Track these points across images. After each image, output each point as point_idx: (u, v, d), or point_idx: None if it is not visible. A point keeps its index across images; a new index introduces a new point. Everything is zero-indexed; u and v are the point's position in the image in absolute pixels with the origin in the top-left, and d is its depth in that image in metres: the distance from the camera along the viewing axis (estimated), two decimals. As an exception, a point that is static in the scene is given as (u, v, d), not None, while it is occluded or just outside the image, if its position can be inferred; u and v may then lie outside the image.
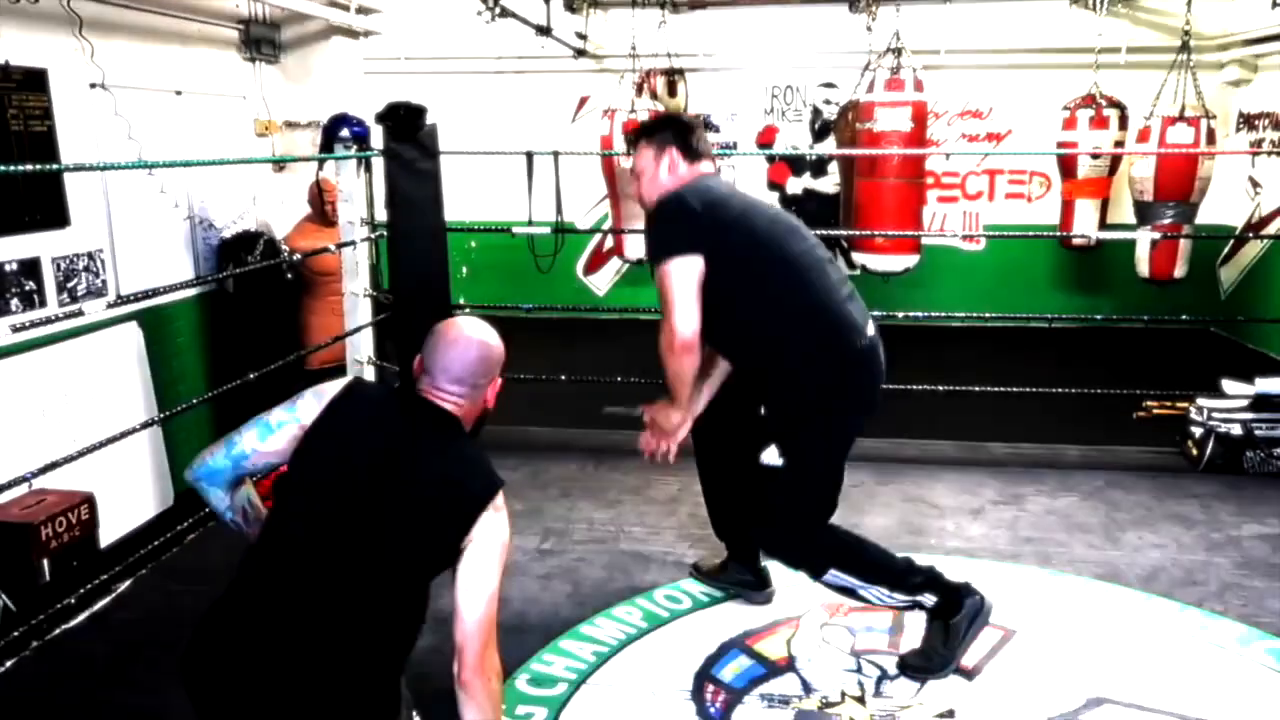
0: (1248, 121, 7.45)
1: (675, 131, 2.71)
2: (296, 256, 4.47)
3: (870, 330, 2.55)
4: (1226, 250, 7.72)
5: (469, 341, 1.92)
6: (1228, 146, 7.35)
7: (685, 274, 2.43)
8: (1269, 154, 7.09)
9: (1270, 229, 7.06)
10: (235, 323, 4.50)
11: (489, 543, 1.78)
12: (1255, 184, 7.32)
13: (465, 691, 1.72)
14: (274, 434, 1.84)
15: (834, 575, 2.55)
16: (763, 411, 2.63)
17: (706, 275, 2.45)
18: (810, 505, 2.59)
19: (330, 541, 1.70)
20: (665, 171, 2.65)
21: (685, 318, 2.44)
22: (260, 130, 4.97)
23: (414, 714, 1.90)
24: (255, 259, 4.51)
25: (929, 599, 2.54)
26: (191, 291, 4.40)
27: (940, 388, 4.52)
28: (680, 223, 2.50)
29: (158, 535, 3.32)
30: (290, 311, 4.77)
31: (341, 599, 1.68)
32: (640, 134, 2.76)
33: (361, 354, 4.63)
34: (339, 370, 4.64)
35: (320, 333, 4.69)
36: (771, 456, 2.58)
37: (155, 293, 3.36)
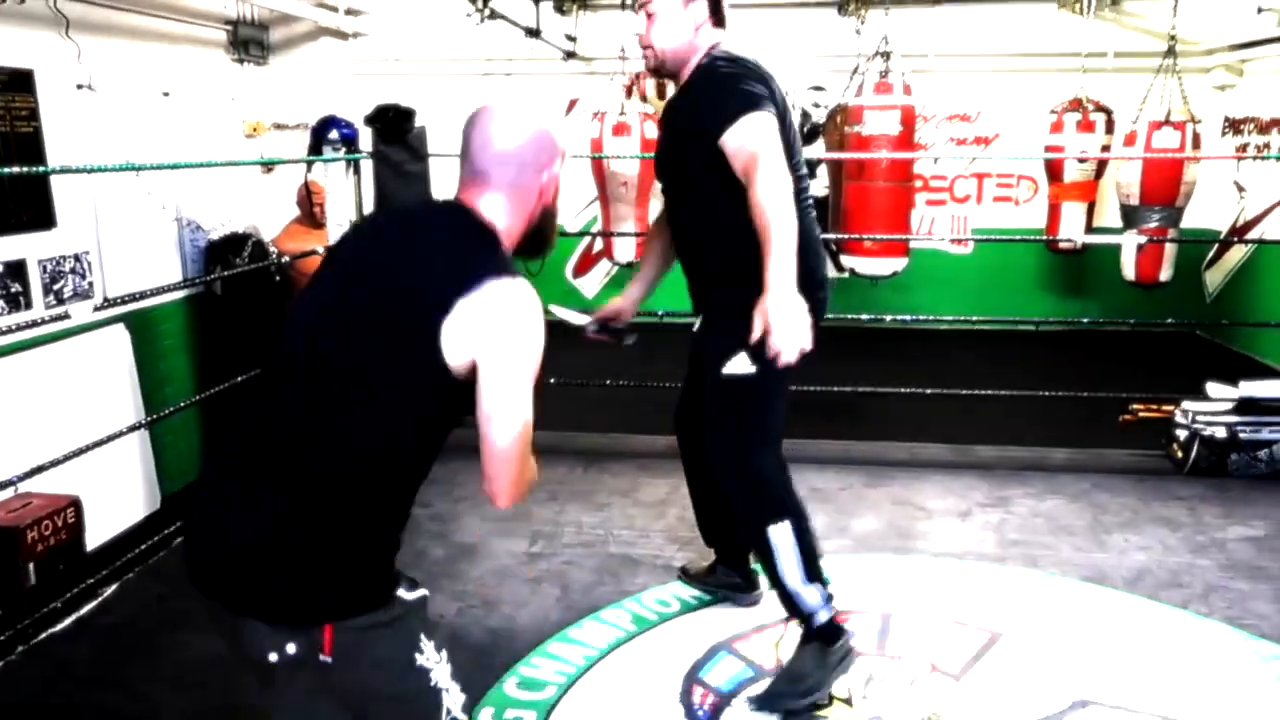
0: (1233, 126, 7.51)
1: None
2: (285, 259, 4.46)
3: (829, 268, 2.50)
4: (1212, 254, 7.77)
5: (490, 117, 1.57)
6: (1213, 151, 7.40)
7: (773, 130, 2.21)
8: (1254, 158, 7.14)
9: (1255, 233, 7.11)
10: (223, 325, 4.49)
11: (495, 343, 1.40)
12: (1240, 188, 7.37)
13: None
14: None
15: (780, 532, 2.40)
16: (719, 324, 2.45)
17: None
18: (778, 422, 2.50)
19: (298, 370, 1.46)
20: (689, 23, 2.39)
21: (785, 173, 2.17)
22: (249, 131, 4.95)
23: (413, 590, 1.53)
24: (243, 261, 4.49)
25: (825, 615, 2.41)
26: (179, 294, 4.38)
27: (928, 390, 4.54)
28: (759, 83, 2.29)
29: (145, 539, 3.31)
30: (278, 314, 4.75)
31: (311, 434, 1.42)
32: None
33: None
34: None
35: (308, 335, 4.67)
36: (741, 365, 2.36)
37: (142, 295, 3.35)
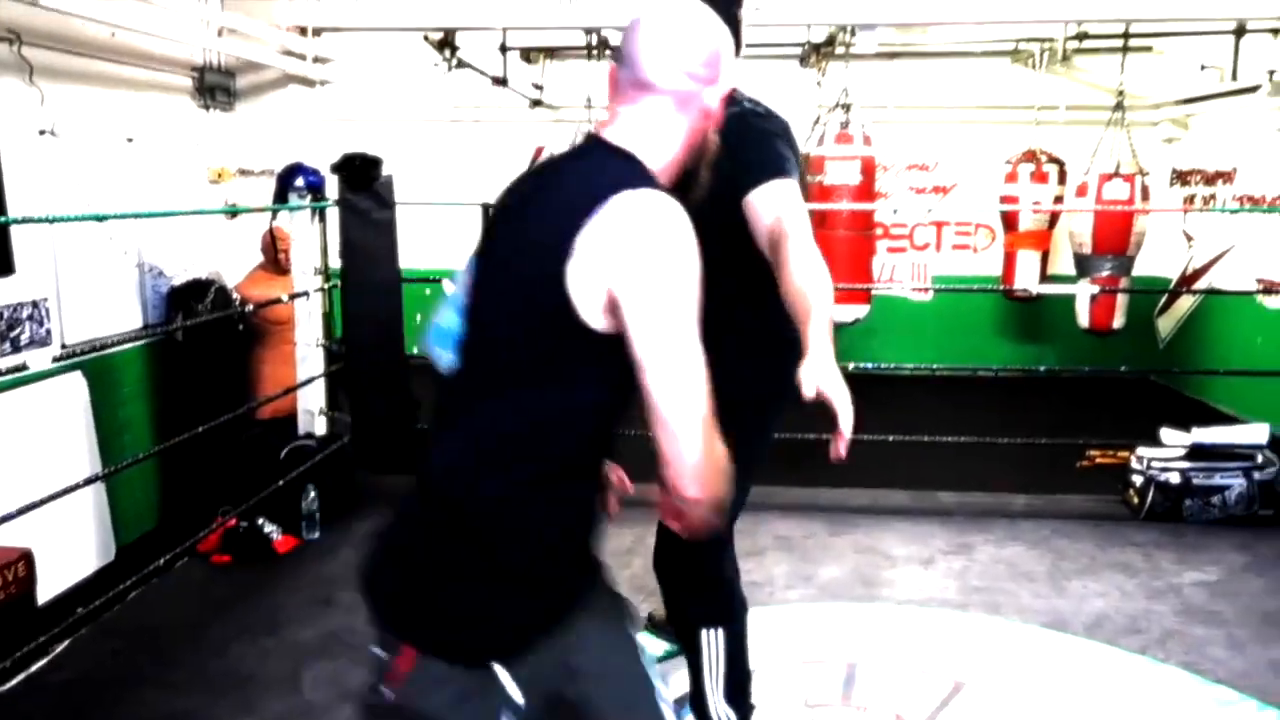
0: (1180, 177, 7.75)
1: (731, 5, 2.03)
2: (248, 306, 4.43)
3: None
4: (1163, 302, 7.97)
5: (637, 21, 1.34)
6: (1162, 202, 7.62)
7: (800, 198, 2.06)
8: (1201, 210, 7.37)
9: (1203, 282, 7.31)
10: (184, 373, 4.44)
11: (631, 266, 1.16)
12: (1189, 237, 7.59)
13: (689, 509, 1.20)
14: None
15: (711, 638, 2.24)
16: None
17: None
18: (747, 478, 2.21)
19: (463, 344, 1.34)
20: None
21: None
22: (213, 178, 4.94)
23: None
24: (206, 308, 4.46)
25: None
26: (139, 341, 4.33)
27: (890, 437, 4.58)
28: (790, 142, 2.14)
29: (99, 593, 3.23)
30: (241, 361, 4.71)
31: (476, 405, 1.28)
32: None
33: (313, 405, 4.58)
34: (290, 422, 4.59)
35: (271, 383, 4.63)
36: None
37: (103, 346, 3.31)
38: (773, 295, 1.94)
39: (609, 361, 1.20)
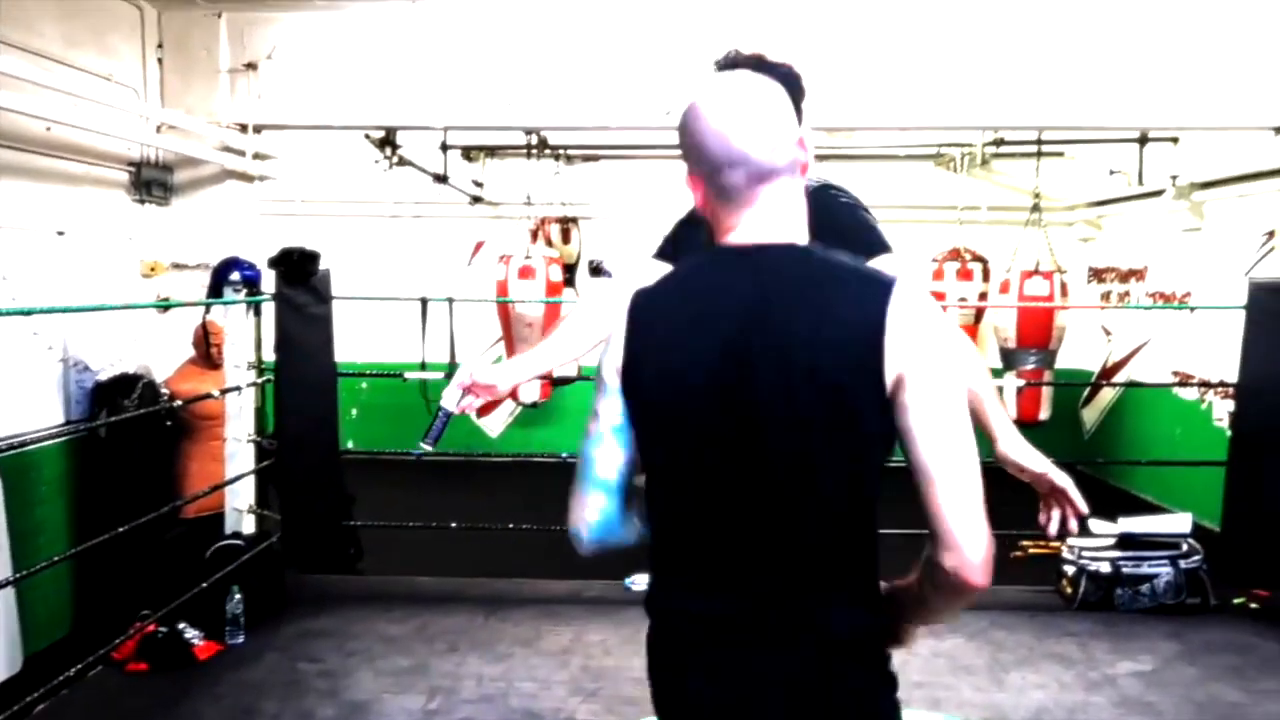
0: (1096, 275, 8.12)
1: (793, 95, 1.68)
2: (177, 401, 4.33)
3: None
4: (1086, 394, 8.25)
5: (706, 113, 1.28)
6: (1080, 297, 7.97)
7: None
8: (1116, 307, 7.71)
9: (1122, 374, 7.60)
10: (106, 471, 4.29)
11: (926, 364, 1.18)
12: (1107, 332, 7.92)
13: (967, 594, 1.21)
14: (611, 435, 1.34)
15: None
16: None
17: None
18: None
19: (719, 495, 1.25)
20: None
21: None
22: (145, 271, 4.88)
23: None
24: (132, 403, 4.34)
25: None
26: (60, 438, 4.18)
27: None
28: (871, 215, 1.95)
29: (2, 707, 3.04)
30: (167, 458, 4.57)
31: (773, 555, 1.25)
32: (761, 68, 1.60)
33: (241, 502, 4.45)
34: (216, 520, 4.45)
35: (199, 480, 4.50)
36: None
37: (20, 443, 3.19)
38: None
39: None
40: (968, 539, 1.21)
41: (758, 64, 1.40)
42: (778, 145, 1.26)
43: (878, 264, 1.69)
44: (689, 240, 1.98)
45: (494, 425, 8.84)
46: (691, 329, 1.25)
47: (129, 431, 4.32)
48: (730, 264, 1.28)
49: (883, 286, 1.20)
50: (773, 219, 1.27)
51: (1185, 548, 4.26)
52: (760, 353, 1.21)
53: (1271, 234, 5.60)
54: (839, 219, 1.90)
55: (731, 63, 1.42)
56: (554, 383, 6.76)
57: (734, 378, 1.22)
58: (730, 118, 1.25)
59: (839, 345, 1.19)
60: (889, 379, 1.18)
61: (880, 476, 1.29)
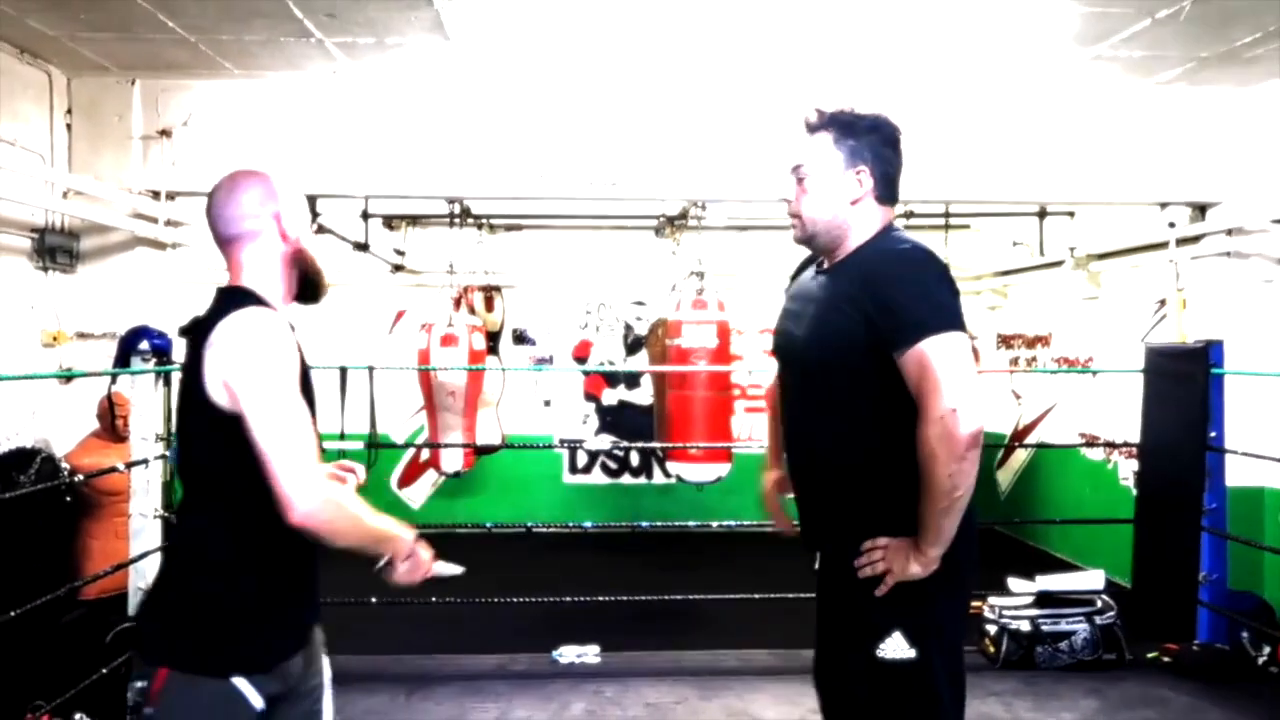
0: (1005, 341, 8.43)
1: (879, 146, 2.01)
2: (79, 476, 4.13)
3: None
4: (1000, 456, 8.48)
5: (211, 196, 1.89)
6: (990, 363, 8.25)
7: (965, 353, 1.81)
8: (1025, 371, 8.00)
9: (1033, 437, 7.85)
10: (-2, 550, 4.04)
11: (219, 365, 1.68)
12: (1017, 395, 8.19)
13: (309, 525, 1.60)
14: None
15: None
16: (860, 584, 1.91)
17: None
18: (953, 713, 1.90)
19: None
20: (847, 195, 1.99)
21: (972, 400, 1.76)
22: (47, 340, 4.68)
23: None
24: (29, 479, 4.12)
25: None
26: (-53, 516, 3.94)
27: (756, 595, 4.59)
28: (944, 286, 1.87)
29: None
30: (67, 537, 4.34)
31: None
32: (832, 123, 2.02)
33: (146, 582, 4.24)
34: (120, 601, 4.22)
35: (101, 558, 4.28)
36: (897, 648, 1.87)
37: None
38: (907, 507, 1.90)
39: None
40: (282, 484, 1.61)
41: (837, 119, 2.07)
42: (230, 219, 1.82)
43: (928, 343, 1.81)
44: None
45: (416, 496, 8.64)
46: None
47: (25, 509, 4.09)
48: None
49: (221, 318, 1.70)
50: (233, 271, 1.84)
51: (1100, 604, 4.38)
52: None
53: (1163, 302, 5.90)
54: (895, 271, 1.92)
55: (810, 124, 2.09)
56: (478, 451, 6.66)
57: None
58: (217, 199, 1.86)
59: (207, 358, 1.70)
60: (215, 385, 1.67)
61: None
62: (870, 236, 2.02)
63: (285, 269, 1.83)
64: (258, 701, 1.65)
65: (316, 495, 1.59)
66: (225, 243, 1.82)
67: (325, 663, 1.95)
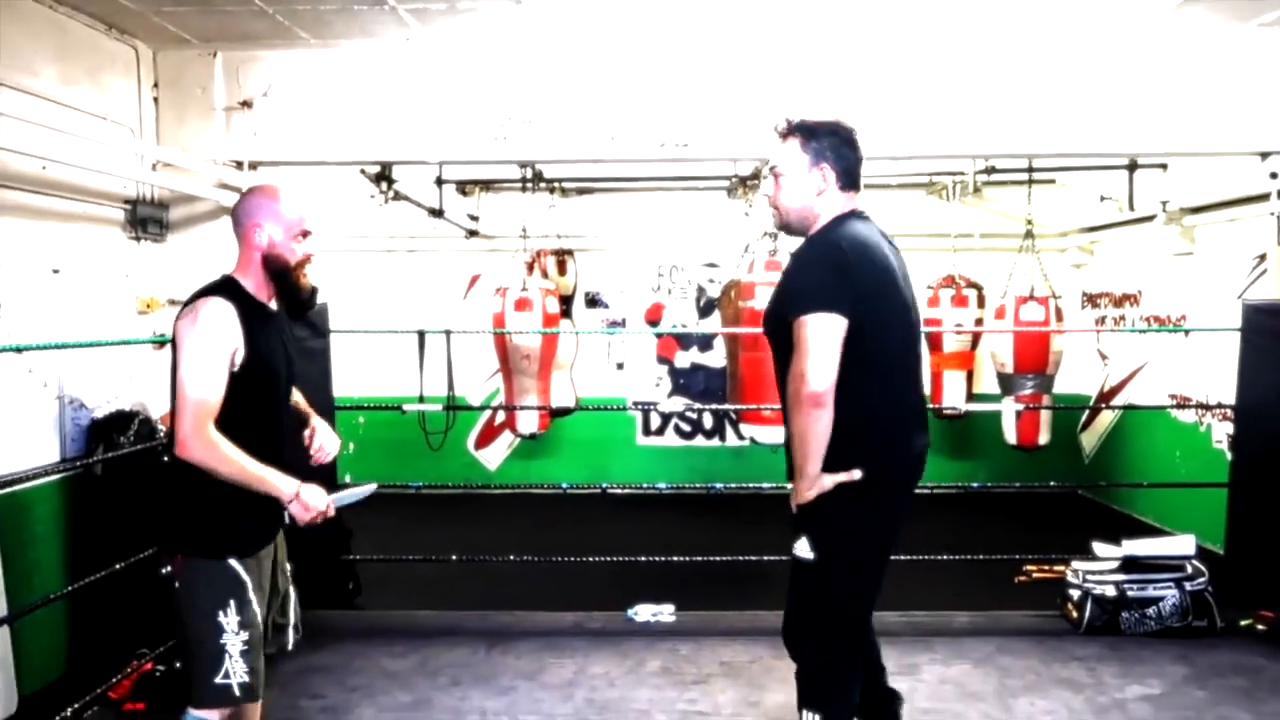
0: (1090, 300, 8.15)
1: (838, 146, 2.51)
2: (174, 437, 4.30)
3: (926, 436, 2.62)
4: (1085, 418, 8.24)
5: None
6: (1075, 323, 7.99)
7: (826, 330, 2.31)
8: (1111, 330, 7.73)
9: (1120, 398, 7.60)
10: (103, 508, 4.25)
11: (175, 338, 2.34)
12: (1103, 356, 7.93)
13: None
14: None
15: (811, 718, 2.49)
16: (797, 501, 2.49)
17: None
18: (842, 609, 2.51)
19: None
20: (813, 188, 2.49)
21: (819, 369, 2.30)
22: (141, 308, 4.86)
23: None
24: (128, 440, 4.31)
25: None
26: (55, 475, 4.15)
27: (831, 557, 4.56)
28: (830, 274, 2.35)
29: (-4, 749, 2.99)
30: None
31: None
32: (797, 130, 2.54)
33: (239, 538, 4.41)
34: (214, 556, 4.40)
35: (195, 516, 4.46)
36: (802, 549, 2.51)
37: (14, 481, 3.16)
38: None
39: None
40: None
41: (802, 127, 2.56)
42: (233, 221, 2.46)
43: (799, 321, 2.36)
44: None
45: (493, 458, 8.80)
46: None
47: (126, 469, 4.29)
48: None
49: (192, 299, 2.39)
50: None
51: (1190, 570, 4.25)
52: None
53: (1262, 257, 5.63)
54: (798, 261, 2.51)
55: (782, 132, 2.58)
56: (553, 414, 6.74)
57: None
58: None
59: None
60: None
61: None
62: (829, 222, 2.50)
63: (260, 269, 2.36)
64: (245, 577, 2.30)
65: (195, 441, 2.20)
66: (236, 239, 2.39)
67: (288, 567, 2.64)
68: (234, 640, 2.24)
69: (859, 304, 2.33)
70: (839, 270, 2.35)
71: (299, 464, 2.47)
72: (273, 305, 2.46)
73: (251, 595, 2.29)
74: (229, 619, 2.23)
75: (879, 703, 2.81)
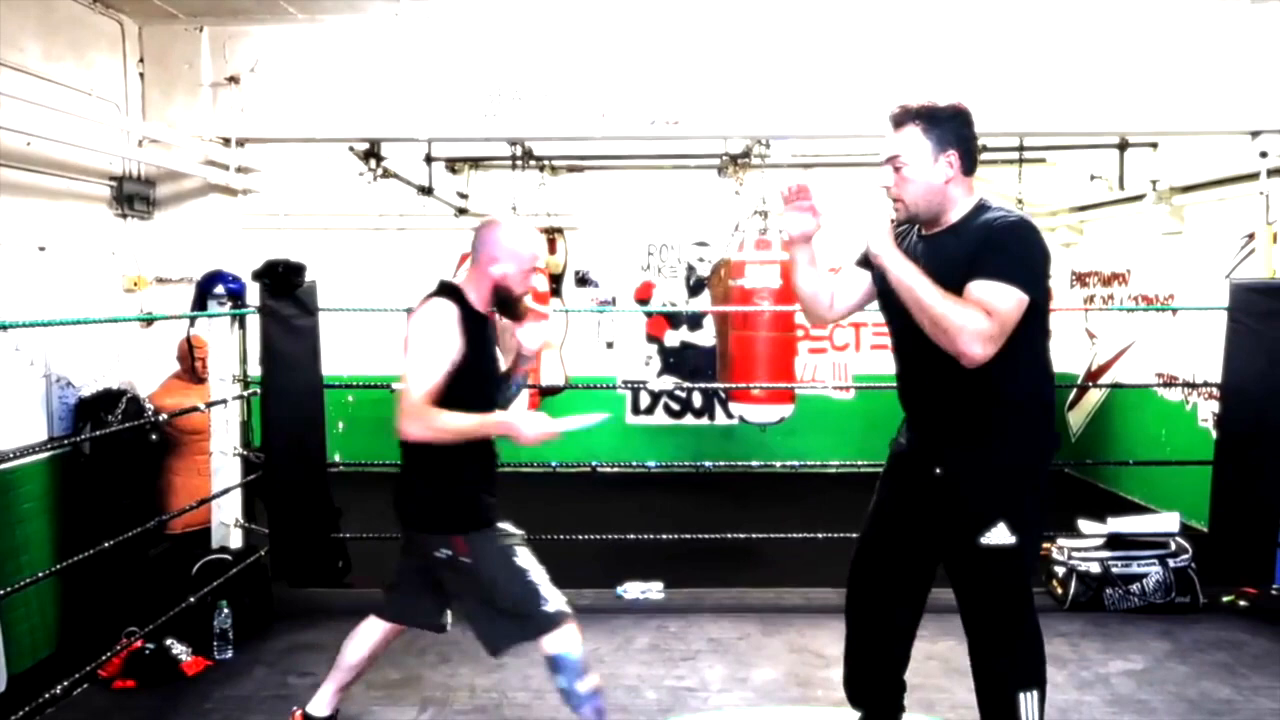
0: (1079, 279, 8.18)
1: (960, 129, 2.37)
2: (162, 416, 4.30)
3: None
4: (1072, 396, 8.29)
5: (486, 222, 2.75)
6: (1064, 302, 8.01)
7: (1015, 305, 2.22)
8: (1100, 309, 7.76)
9: (1107, 377, 7.64)
10: (90, 487, 4.24)
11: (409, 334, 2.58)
12: (1091, 335, 7.97)
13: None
14: None
15: (1029, 700, 2.44)
16: (973, 487, 2.40)
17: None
18: (1029, 584, 2.46)
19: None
20: (941, 177, 2.35)
21: (995, 331, 2.20)
22: (129, 286, 4.84)
23: None
24: (116, 418, 4.30)
25: None
26: (43, 454, 4.14)
27: (820, 534, 4.60)
28: (1041, 256, 2.31)
29: (-14, 727, 2.99)
30: (152, 473, 4.53)
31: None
32: (917, 117, 2.37)
33: (228, 517, 4.42)
34: (204, 534, 4.41)
35: (184, 495, 4.47)
36: (1001, 535, 2.34)
37: (3, 461, 3.15)
38: (1012, 425, 2.43)
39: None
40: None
41: (922, 113, 2.38)
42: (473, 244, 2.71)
43: (1003, 289, 2.23)
44: None
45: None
46: None
47: (113, 447, 4.28)
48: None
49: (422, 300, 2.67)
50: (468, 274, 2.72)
51: (1174, 547, 4.29)
52: None
53: (1251, 236, 5.65)
54: (998, 233, 2.32)
55: (897, 119, 2.40)
56: (542, 392, 6.74)
57: None
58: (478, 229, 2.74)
59: None
60: None
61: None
62: (970, 209, 2.39)
63: (489, 291, 2.65)
64: (514, 530, 2.74)
65: (415, 421, 2.47)
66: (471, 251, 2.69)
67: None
68: (537, 574, 2.62)
69: (1042, 287, 2.32)
70: (1044, 253, 2.34)
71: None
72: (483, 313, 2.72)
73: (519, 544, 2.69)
74: (524, 560, 2.62)
75: (894, 691, 2.79)
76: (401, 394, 2.46)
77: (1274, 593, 4.23)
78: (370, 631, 2.92)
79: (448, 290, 2.63)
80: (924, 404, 2.54)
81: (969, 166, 2.38)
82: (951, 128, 2.35)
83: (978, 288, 2.23)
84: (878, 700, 2.77)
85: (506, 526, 2.72)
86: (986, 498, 2.38)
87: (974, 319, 2.19)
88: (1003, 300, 2.21)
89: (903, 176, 2.37)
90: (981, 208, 2.40)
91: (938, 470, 2.45)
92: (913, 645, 2.74)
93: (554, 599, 2.61)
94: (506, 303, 2.66)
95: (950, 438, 2.46)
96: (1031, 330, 2.30)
